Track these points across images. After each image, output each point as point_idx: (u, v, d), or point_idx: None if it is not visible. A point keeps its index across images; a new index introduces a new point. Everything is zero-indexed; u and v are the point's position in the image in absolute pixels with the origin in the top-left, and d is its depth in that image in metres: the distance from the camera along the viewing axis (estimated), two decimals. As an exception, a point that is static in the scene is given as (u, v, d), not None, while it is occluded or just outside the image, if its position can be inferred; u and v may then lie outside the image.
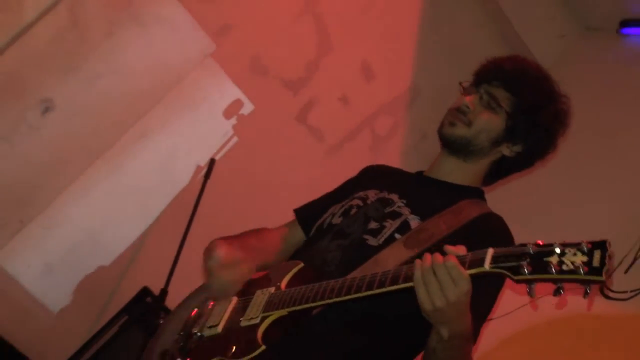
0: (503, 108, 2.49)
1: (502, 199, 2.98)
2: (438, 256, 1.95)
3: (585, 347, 3.75)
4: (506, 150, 2.55)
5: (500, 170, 2.63)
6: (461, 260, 1.93)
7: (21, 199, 4.16)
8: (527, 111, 2.50)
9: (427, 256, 1.97)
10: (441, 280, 1.92)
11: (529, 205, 4.43)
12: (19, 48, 4.00)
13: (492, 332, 3.34)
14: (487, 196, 2.65)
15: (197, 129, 4.61)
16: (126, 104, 4.35)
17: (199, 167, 4.57)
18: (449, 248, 1.98)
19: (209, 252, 2.46)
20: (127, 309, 4.12)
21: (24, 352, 4.06)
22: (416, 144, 5.19)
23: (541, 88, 2.53)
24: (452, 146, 2.55)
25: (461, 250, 1.98)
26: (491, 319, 2.59)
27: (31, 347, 4.10)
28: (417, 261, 1.99)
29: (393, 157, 5.08)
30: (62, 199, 4.26)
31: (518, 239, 2.36)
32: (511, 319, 3.84)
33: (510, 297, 3.00)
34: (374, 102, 5.16)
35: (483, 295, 2.26)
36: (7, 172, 4.11)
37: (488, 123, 2.50)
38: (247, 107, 4.74)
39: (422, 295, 1.96)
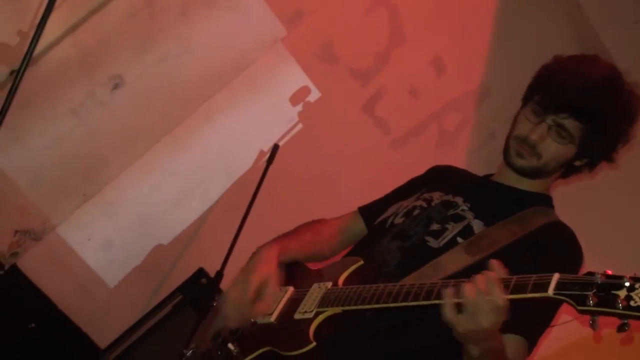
0: (573, 138, 2.46)
1: (570, 208, 2.95)
2: (481, 283, 1.93)
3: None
4: (576, 163, 2.58)
5: (568, 175, 2.66)
6: (506, 283, 1.91)
7: (85, 173, 4.26)
8: (599, 134, 2.46)
9: (470, 287, 1.95)
10: (479, 307, 1.92)
11: (600, 217, 4.35)
12: (94, 24, 4.09)
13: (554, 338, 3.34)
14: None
15: (262, 113, 4.65)
16: (194, 84, 4.40)
17: (262, 152, 4.61)
18: (494, 263, 1.98)
19: (254, 260, 2.53)
20: (182, 289, 4.15)
21: (79, 323, 4.15)
22: (484, 142, 5.17)
23: (612, 106, 2.44)
24: (522, 174, 2.57)
25: (503, 270, 1.98)
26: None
27: (86, 320, 4.19)
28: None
29: (459, 155, 5.10)
30: (126, 175, 4.35)
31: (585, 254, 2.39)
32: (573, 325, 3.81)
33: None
34: (443, 97, 5.12)
35: (539, 318, 2.31)
36: (73, 146, 4.19)
37: (558, 153, 2.49)
38: (314, 95, 4.75)
39: (455, 320, 1.98)
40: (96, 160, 4.30)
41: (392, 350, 2.33)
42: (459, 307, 1.97)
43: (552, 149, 2.48)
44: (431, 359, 2.33)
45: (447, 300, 1.98)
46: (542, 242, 2.39)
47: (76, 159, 4.24)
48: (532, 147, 2.49)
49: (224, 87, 4.52)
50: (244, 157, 4.64)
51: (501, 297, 1.91)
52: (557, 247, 2.38)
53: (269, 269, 2.49)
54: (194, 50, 4.37)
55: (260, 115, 4.66)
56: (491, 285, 1.92)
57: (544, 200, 2.62)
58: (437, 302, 2.02)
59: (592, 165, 2.61)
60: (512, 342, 2.24)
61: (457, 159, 4.93)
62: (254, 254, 2.57)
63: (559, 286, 1.82)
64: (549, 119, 2.46)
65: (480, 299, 1.92)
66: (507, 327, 2.20)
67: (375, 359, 2.33)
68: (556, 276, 1.85)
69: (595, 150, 2.52)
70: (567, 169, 2.62)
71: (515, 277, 1.94)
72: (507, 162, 2.58)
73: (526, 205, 2.53)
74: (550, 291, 1.82)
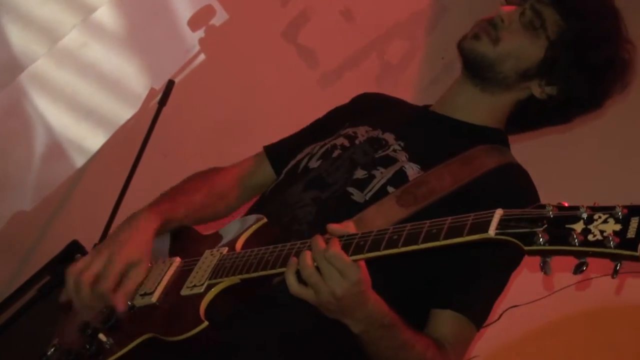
0: (546, 33, 2.46)
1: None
2: (318, 245, 1.98)
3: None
4: (536, 89, 2.53)
5: (527, 115, 2.62)
6: (348, 240, 1.96)
7: None
8: (577, 45, 2.45)
9: (307, 254, 2.01)
10: (324, 273, 1.96)
11: (565, 162, 4.44)
12: None
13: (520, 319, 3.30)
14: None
15: (153, 40, 4.59)
16: (63, 1, 4.30)
17: (153, 90, 4.54)
18: (332, 227, 2.04)
19: (125, 225, 2.46)
20: (50, 267, 4.03)
21: None
22: (438, 77, 5.12)
23: (603, 21, 2.46)
24: (470, 65, 2.54)
25: (350, 228, 2.04)
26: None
27: None
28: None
29: (406, 92, 4.96)
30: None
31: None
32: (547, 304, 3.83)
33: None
34: (385, 19, 5.13)
35: (493, 268, 2.35)
36: None
37: (521, 47, 2.48)
38: (220, 17, 4.68)
39: (306, 295, 2.02)
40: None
41: (303, 327, 2.30)
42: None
43: (517, 40, 2.48)
44: (344, 335, 2.23)
45: (290, 277, 2.03)
46: (491, 189, 2.39)
47: None
48: (494, 27, 2.49)
49: (102, 5, 4.39)
50: (129, 96, 4.58)
51: (344, 256, 1.95)
52: (509, 195, 2.38)
53: (140, 244, 2.42)
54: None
55: (150, 44, 4.60)
56: (331, 248, 1.96)
57: (496, 136, 2.59)
58: (355, 257, 2.00)
59: (559, 110, 2.58)
60: (450, 322, 2.29)
61: (404, 97, 4.91)
62: (126, 221, 2.48)
63: (502, 224, 1.79)
64: (527, 3, 2.49)
65: (323, 265, 1.96)
66: (442, 302, 2.31)
67: (284, 337, 2.32)
68: (498, 212, 1.82)
69: (564, 64, 2.47)
70: (526, 107, 2.59)
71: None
72: (460, 48, 2.57)
73: (473, 142, 2.51)
74: (492, 231, 1.79)
